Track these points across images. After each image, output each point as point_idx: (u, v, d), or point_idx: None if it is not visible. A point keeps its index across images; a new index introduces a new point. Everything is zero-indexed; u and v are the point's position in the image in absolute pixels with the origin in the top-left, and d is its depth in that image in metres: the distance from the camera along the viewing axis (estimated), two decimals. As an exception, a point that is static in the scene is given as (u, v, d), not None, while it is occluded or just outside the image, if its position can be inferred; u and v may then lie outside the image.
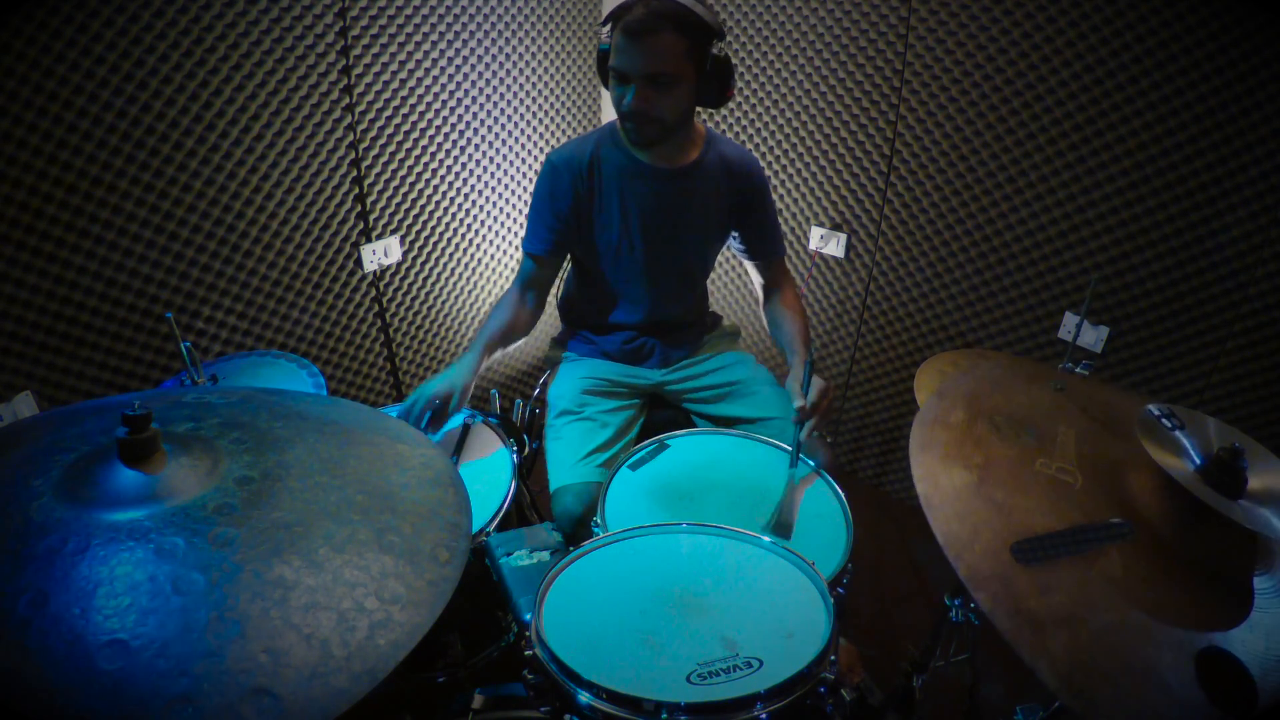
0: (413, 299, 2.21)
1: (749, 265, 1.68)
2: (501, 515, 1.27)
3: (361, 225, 2.00)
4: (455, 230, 2.26)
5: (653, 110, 1.32)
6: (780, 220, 2.33)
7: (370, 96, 1.90)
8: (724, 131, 2.36)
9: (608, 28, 1.34)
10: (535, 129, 2.39)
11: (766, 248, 1.63)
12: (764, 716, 0.79)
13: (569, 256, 1.60)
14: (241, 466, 0.78)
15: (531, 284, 1.56)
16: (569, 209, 1.47)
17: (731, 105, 2.31)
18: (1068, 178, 1.77)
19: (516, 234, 2.46)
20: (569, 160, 1.46)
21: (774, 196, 2.31)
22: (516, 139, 2.34)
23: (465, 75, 2.11)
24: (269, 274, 1.83)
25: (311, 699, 0.59)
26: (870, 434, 2.43)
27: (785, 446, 1.34)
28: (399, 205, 2.07)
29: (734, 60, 2.23)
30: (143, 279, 1.60)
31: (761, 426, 1.47)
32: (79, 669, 0.56)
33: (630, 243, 1.50)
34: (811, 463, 1.30)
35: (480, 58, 2.13)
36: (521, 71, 2.27)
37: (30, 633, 0.58)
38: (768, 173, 2.31)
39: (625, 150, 1.46)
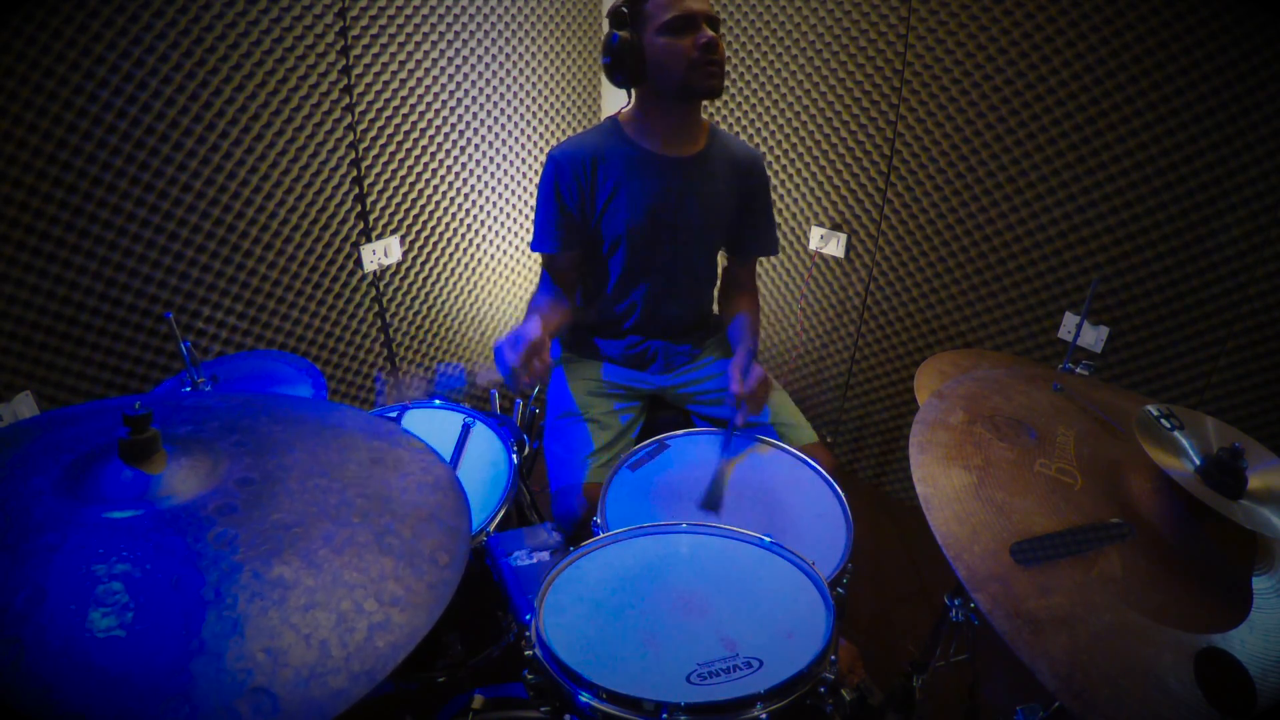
0: (413, 299, 2.21)
1: (727, 259, 1.69)
2: (501, 515, 1.27)
3: (361, 225, 2.00)
4: (455, 230, 2.26)
5: (720, 51, 1.36)
6: (777, 221, 2.35)
7: (370, 96, 1.90)
8: (724, 131, 2.36)
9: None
10: (535, 129, 2.39)
11: (760, 245, 1.63)
12: (764, 717, 0.79)
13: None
14: (242, 468, 0.78)
15: (555, 284, 1.55)
16: (574, 204, 1.46)
17: (732, 104, 2.31)
18: (1068, 178, 1.77)
19: (516, 234, 2.46)
20: (572, 155, 1.45)
21: (774, 196, 2.33)
22: (516, 139, 2.34)
23: (465, 75, 2.11)
24: (269, 274, 1.83)
25: (310, 699, 0.58)
26: (870, 434, 2.43)
27: (787, 448, 1.35)
28: (399, 205, 2.07)
29: (732, 60, 2.24)
30: (143, 279, 1.60)
31: (763, 430, 1.46)
32: (76, 666, 0.56)
33: (636, 235, 1.48)
34: (745, 445, 1.36)
35: (480, 58, 2.14)
36: (521, 71, 2.27)
37: (27, 629, 0.58)
38: (767, 172, 2.31)
39: (631, 142, 1.45)
